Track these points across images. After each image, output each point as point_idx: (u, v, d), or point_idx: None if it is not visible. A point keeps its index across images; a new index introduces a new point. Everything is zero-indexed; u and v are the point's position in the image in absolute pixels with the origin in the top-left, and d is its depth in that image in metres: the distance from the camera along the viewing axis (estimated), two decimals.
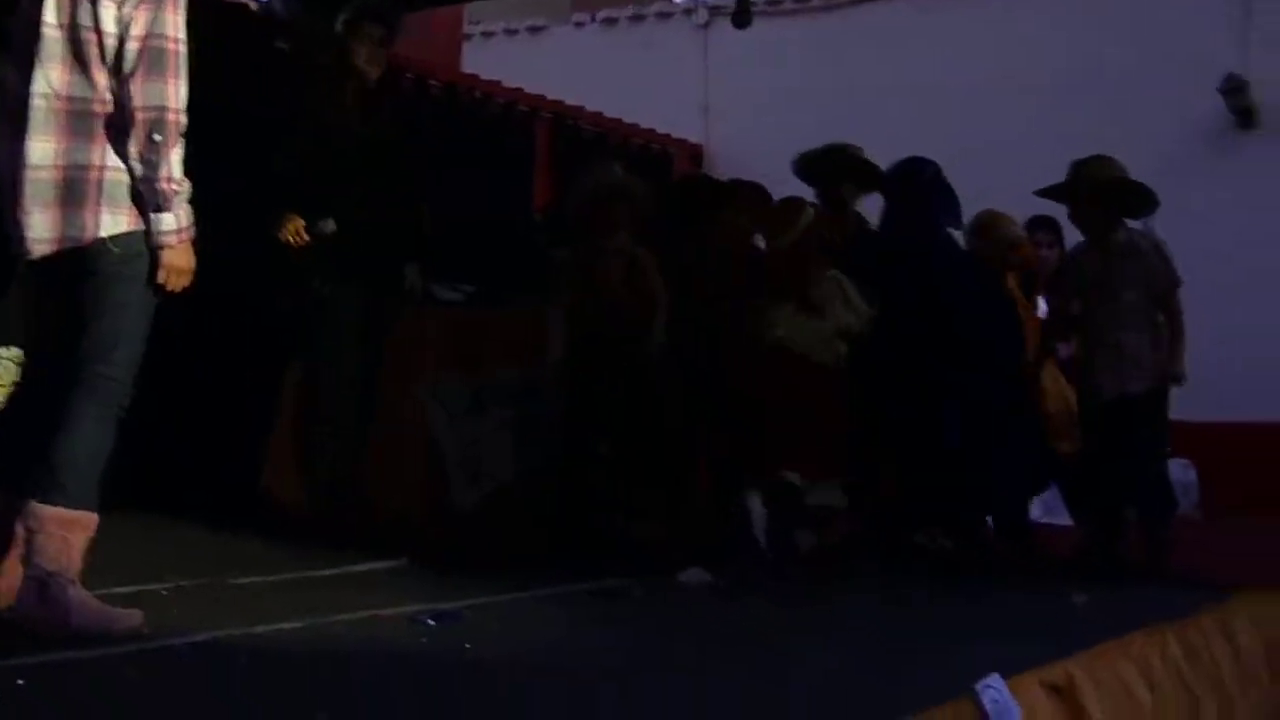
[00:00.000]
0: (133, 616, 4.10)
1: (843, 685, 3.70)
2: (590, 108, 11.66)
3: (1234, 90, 10.90)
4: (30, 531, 3.99)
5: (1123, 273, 6.61)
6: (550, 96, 11.31)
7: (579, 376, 7.00)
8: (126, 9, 4.10)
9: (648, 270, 7.12)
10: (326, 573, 5.49)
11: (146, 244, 4.13)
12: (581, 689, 3.58)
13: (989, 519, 7.06)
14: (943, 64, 11.70)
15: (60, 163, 4.09)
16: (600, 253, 7.15)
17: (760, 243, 7.32)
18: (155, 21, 4.11)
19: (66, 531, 4.02)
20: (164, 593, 4.81)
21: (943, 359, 6.71)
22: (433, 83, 10.13)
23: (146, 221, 4.12)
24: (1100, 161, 6.72)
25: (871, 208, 7.51)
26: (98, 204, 4.10)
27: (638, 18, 13.43)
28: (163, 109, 4.09)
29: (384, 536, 6.34)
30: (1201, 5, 11.05)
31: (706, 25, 12.98)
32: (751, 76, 12.40)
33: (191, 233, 4.21)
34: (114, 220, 4.11)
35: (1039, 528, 7.41)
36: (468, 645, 4.08)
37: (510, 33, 13.75)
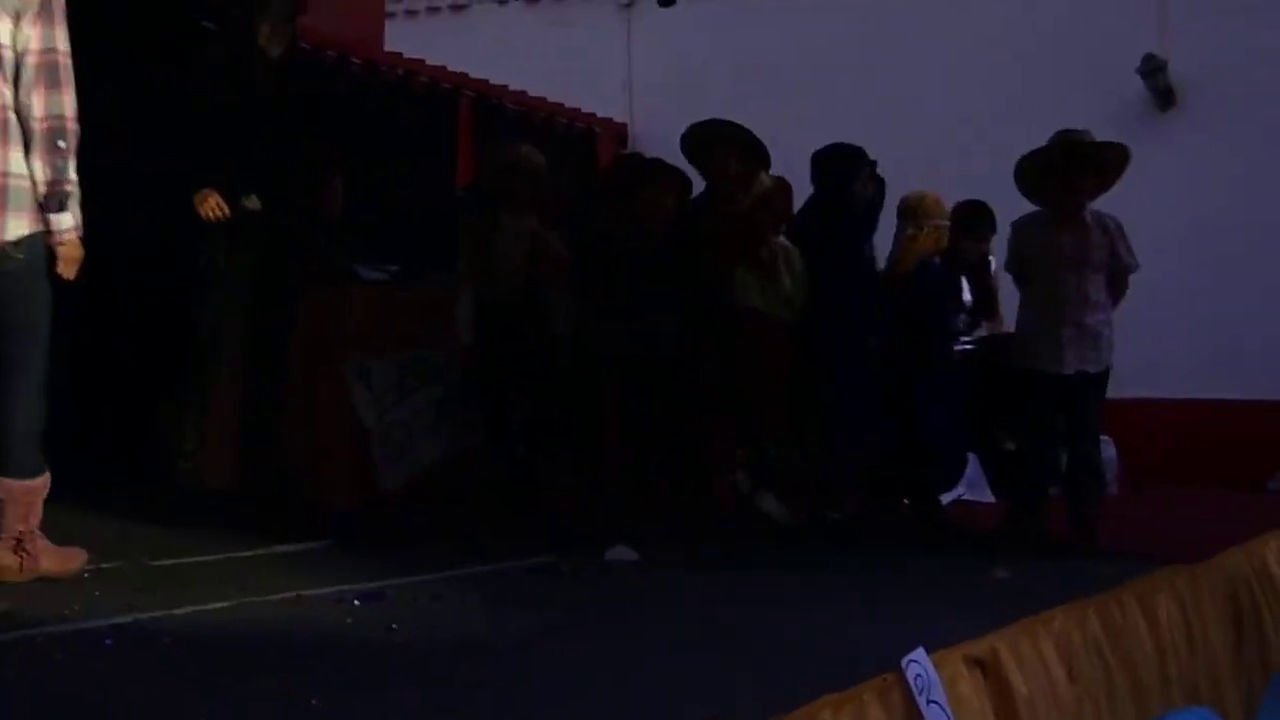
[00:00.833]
0: (80, 553, 4.78)
1: (769, 661, 3.71)
2: (514, 87, 11.62)
3: (1153, 71, 10.99)
4: (1, 502, 4.58)
5: (1097, 250, 6.62)
6: (474, 75, 11.26)
7: (485, 355, 7.00)
8: (23, 25, 4.48)
9: (548, 250, 7.10)
10: (250, 553, 5.47)
11: (45, 241, 4.56)
12: (507, 666, 3.57)
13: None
14: (865, 42, 11.74)
15: None
16: (499, 230, 7.13)
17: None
18: (47, 37, 4.51)
19: (29, 496, 4.63)
20: (85, 574, 4.78)
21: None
22: (354, 60, 10.05)
23: (47, 222, 4.54)
24: (1088, 135, 6.72)
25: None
26: (3, 209, 4.48)
27: None
28: (62, 118, 4.51)
29: (309, 517, 6.31)
30: None
31: (630, 4, 12.96)
32: (676, 55, 12.40)
33: (81, 228, 4.65)
34: (18, 224, 4.51)
35: (962, 503, 7.48)
36: (394, 625, 4.07)
37: (433, 10, 13.67)
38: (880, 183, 7.32)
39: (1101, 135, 6.82)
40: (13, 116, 4.50)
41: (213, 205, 6.12)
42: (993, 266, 7.68)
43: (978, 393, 7.09)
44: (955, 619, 4.27)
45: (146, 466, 6.56)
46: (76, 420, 6.90)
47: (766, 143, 7.37)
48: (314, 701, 3.03)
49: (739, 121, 7.39)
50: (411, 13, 13.56)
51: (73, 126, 4.54)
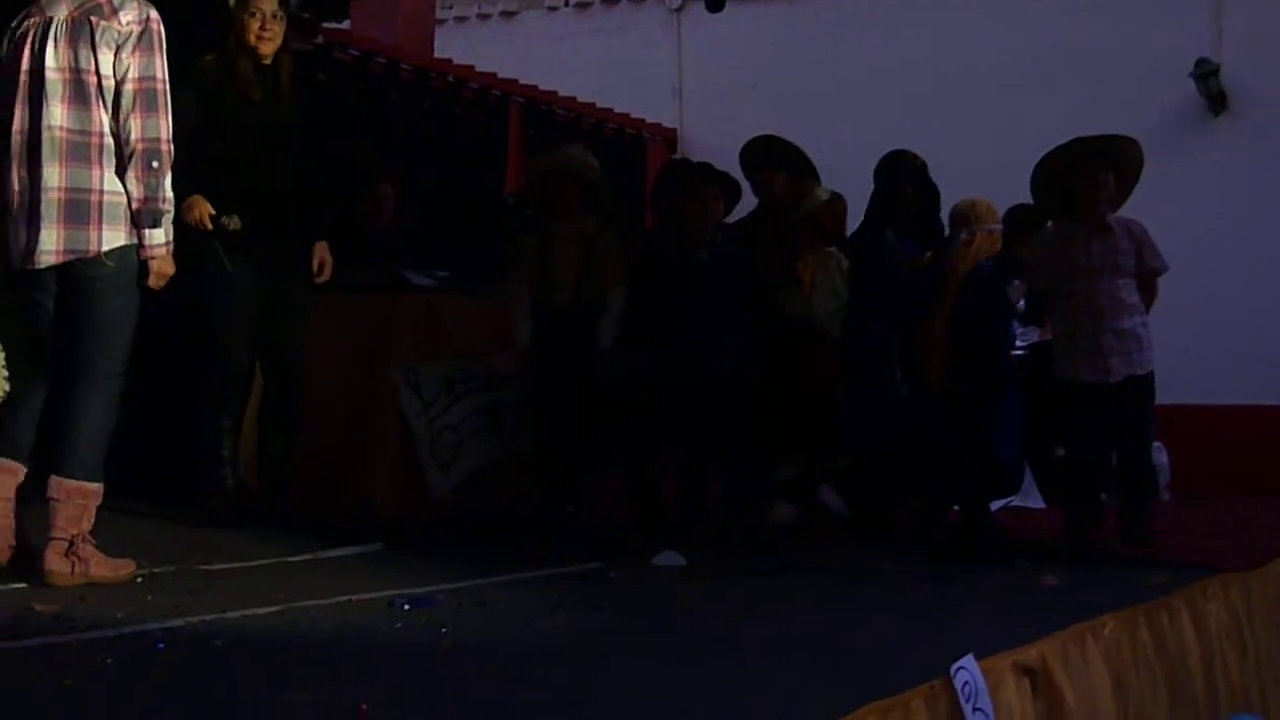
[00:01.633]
0: (129, 563, 4.87)
1: (816, 666, 3.71)
2: (563, 93, 11.65)
3: (1205, 75, 10.93)
4: (55, 501, 4.75)
5: (1124, 256, 6.60)
6: (523, 81, 11.29)
7: (542, 363, 7.02)
8: (124, 55, 4.82)
9: (607, 255, 7.09)
10: (300, 559, 5.50)
11: (138, 255, 4.86)
12: (554, 671, 3.58)
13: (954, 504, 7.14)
14: (915, 51, 11.70)
15: (65, 185, 4.78)
16: (554, 236, 7.14)
17: None
18: (147, 65, 4.85)
19: (85, 500, 4.79)
20: (138, 579, 4.82)
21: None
22: (404, 67, 10.09)
23: (140, 237, 4.84)
24: (1121, 138, 6.71)
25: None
26: (99, 222, 4.80)
27: (611, 1, 13.40)
28: (157, 140, 4.84)
29: (358, 522, 6.34)
30: None
31: (680, 9, 12.95)
32: (725, 61, 12.39)
33: (172, 244, 4.96)
34: (113, 235, 4.82)
35: (1012, 510, 7.45)
36: (444, 629, 4.08)
37: (483, 17, 13.70)
38: (930, 186, 7.31)
39: (1153, 140, 6.79)
40: (110, 140, 4.84)
41: (199, 215, 6.06)
42: None
43: (1029, 399, 7.06)
44: (1004, 626, 4.25)
45: (193, 472, 6.59)
46: (129, 428, 7.00)
47: (814, 150, 7.39)
48: (364, 706, 3.05)
49: (788, 129, 7.41)
50: (461, 19, 13.61)
51: (166, 148, 4.87)
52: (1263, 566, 5.94)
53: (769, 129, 7.79)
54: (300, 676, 3.42)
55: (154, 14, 4.91)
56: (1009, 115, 10.96)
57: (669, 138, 12.77)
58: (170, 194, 4.91)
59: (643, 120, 12.46)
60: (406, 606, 4.44)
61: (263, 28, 6.25)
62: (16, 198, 4.84)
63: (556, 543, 6.23)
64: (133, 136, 4.82)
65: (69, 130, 4.81)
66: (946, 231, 7.20)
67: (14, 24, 4.99)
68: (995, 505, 7.13)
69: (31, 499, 4.90)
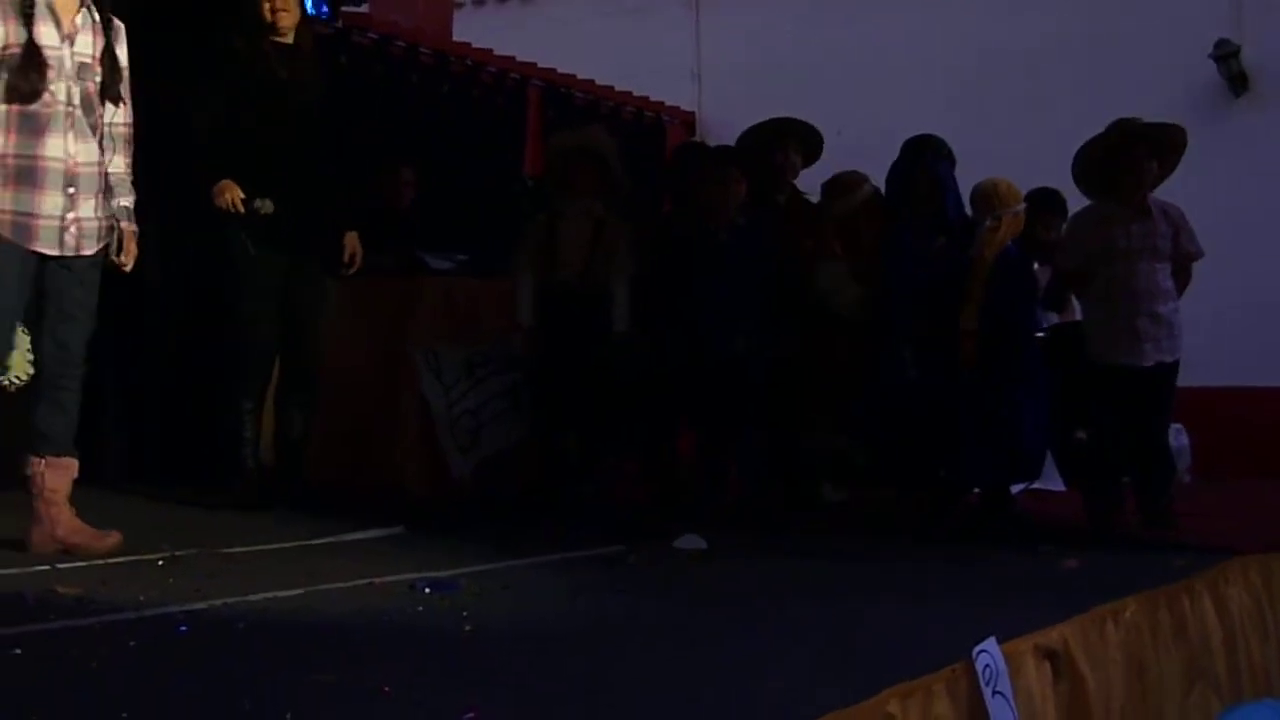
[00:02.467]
0: (112, 536, 4.98)
1: (837, 650, 3.71)
2: (582, 75, 11.63)
3: (1226, 56, 10.89)
4: (32, 472, 4.96)
5: (1163, 240, 6.59)
6: (542, 65, 11.27)
7: (547, 342, 7.01)
8: (120, 44, 5.05)
9: (614, 239, 7.08)
10: (322, 541, 5.51)
11: (117, 232, 5.08)
12: (579, 655, 3.59)
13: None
14: (934, 33, 11.67)
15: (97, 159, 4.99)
16: (562, 216, 7.12)
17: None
18: (125, 55, 5.08)
19: (58, 469, 4.98)
20: (159, 563, 4.84)
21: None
22: (423, 50, 10.09)
23: (120, 211, 5.08)
24: (1160, 123, 6.69)
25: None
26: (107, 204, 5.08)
27: None
28: (131, 125, 5.15)
29: (380, 504, 6.36)
30: None
31: None
32: (744, 43, 12.38)
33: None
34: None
35: (1032, 492, 7.44)
36: (465, 613, 4.09)
37: (502, 0, 13.70)
38: (946, 171, 7.27)
39: (1173, 120, 6.77)
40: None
41: (230, 199, 6.10)
42: None
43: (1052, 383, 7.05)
44: (1025, 609, 4.25)
45: (215, 455, 6.61)
46: (130, 410, 7.03)
47: (833, 133, 7.39)
48: (386, 689, 3.05)
49: (806, 112, 7.42)
50: (480, 2, 13.61)
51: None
52: None
53: (787, 112, 7.78)
54: (322, 659, 3.42)
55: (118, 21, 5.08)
56: (1031, 98, 10.94)
57: (688, 121, 12.75)
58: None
59: (661, 103, 12.45)
60: (428, 590, 4.45)
61: (274, 3, 6.25)
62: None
63: (577, 525, 6.24)
64: (124, 120, 5.12)
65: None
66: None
67: None
68: (1016, 488, 7.12)
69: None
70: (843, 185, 7.50)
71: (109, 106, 5.03)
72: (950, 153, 7.24)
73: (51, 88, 4.82)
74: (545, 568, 5.18)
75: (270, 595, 4.28)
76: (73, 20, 4.92)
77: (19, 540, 4.99)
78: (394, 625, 3.94)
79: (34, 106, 4.80)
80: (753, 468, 7.25)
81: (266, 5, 6.24)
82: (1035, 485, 7.51)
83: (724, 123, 11.58)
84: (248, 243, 6.19)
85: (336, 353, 6.70)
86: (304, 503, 6.22)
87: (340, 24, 8.83)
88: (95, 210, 4.97)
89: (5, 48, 4.79)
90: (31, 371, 6.03)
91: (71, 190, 4.87)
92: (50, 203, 4.84)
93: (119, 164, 5.11)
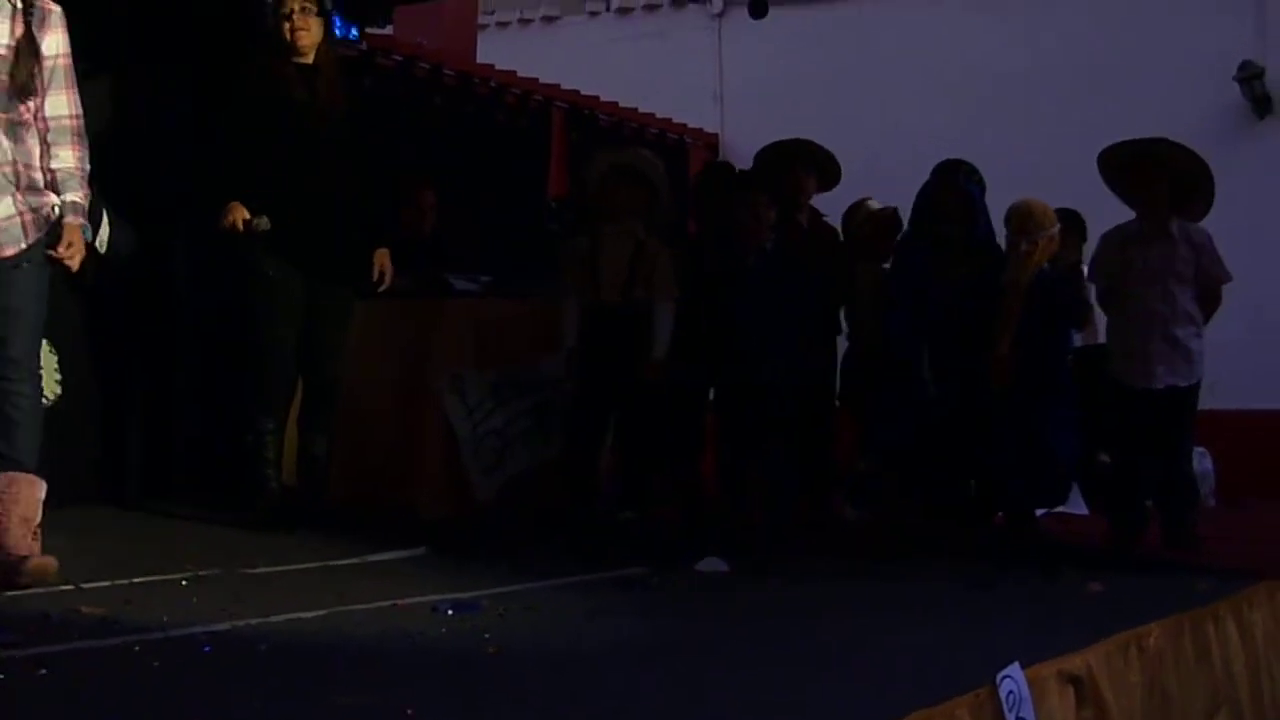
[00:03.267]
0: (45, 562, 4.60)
1: (861, 673, 3.71)
2: (605, 98, 11.66)
3: (1250, 78, 10.87)
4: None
5: (1183, 263, 6.57)
6: (565, 86, 11.30)
7: (587, 363, 7.02)
8: (47, 33, 4.73)
9: (656, 259, 7.07)
10: (345, 562, 5.52)
11: (59, 225, 4.74)
12: (601, 679, 3.59)
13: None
14: (960, 56, 11.66)
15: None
16: (604, 236, 7.12)
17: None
18: (64, 41, 4.78)
19: (12, 488, 4.62)
20: (183, 583, 4.85)
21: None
22: (447, 72, 10.13)
23: (64, 207, 4.77)
24: (1183, 147, 6.68)
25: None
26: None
27: (652, 7, 13.39)
28: (78, 117, 4.82)
29: (403, 526, 6.36)
30: None
31: (721, 14, 12.94)
32: (766, 66, 12.36)
33: None
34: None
35: (1056, 516, 7.42)
36: (487, 635, 4.09)
37: (524, 22, 13.73)
38: (974, 195, 7.27)
39: (1196, 143, 6.76)
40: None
41: (232, 220, 6.08)
42: (1084, 275, 7.64)
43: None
44: (1048, 633, 4.24)
45: (237, 476, 6.62)
46: (153, 428, 7.05)
47: (856, 155, 7.41)
48: (409, 711, 3.06)
49: (829, 135, 7.45)
50: (503, 24, 13.64)
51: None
52: None
53: (811, 134, 7.80)
54: (346, 681, 3.43)
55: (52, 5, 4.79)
56: (1051, 119, 10.92)
57: (710, 143, 12.76)
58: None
59: (684, 125, 12.46)
60: (450, 612, 4.45)
61: (294, 23, 6.24)
62: None
63: (600, 547, 6.24)
64: (69, 112, 4.80)
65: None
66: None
67: None
68: (1040, 511, 7.11)
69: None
70: (853, 207, 7.61)
71: (50, 99, 4.76)
72: (981, 178, 7.24)
73: None
74: (567, 589, 5.18)
75: (293, 616, 4.29)
76: None
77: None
78: (417, 647, 3.95)
79: None
80: (780, 488, 7.25)
81: (286, 25, 6.25)
82: (1059, 508, 7.50)
83: (747, 144, 11.56)
84: (264, 262, 6.20)
85: (362, 375, 6.71)
86: (326, 523, 6.23)
87: (365, 46, 8.86)
88: (13, 209, 4.68)
89: None
90: (59, 391, 6.07)
91: None
92: None
93: (66, 158, 4.78)
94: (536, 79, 11.05)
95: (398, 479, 7.08)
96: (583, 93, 11.45)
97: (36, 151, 4.77)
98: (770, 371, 7.02)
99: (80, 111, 4.86)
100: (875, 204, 7.73)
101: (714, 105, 12.87)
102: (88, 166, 4.90)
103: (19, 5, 4.69)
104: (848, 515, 7.56)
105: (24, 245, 4.72)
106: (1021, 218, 6.87)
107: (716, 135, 12.84)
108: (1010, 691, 3.45)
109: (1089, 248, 7.35)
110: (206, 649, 3.79)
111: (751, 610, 4.86)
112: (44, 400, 5.10)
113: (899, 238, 7.53)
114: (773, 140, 7.82)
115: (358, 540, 5.87)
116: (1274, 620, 5.37)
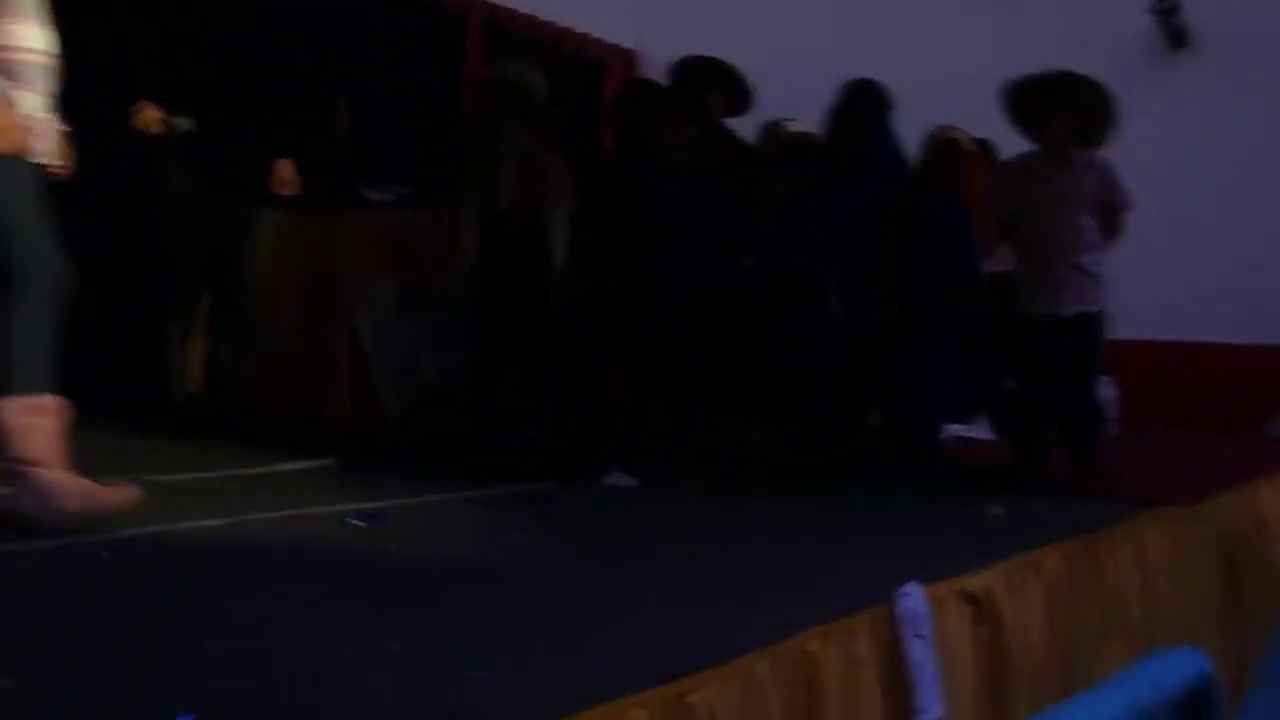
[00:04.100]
0: (120, 491, 4.16)
1: (759, 593, 3.74)
2: (523, 10, 11.52)
3: (1166, 11, 10.92)
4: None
5: (1086, 190, 6.62)
6: None
7: (485, 280, 6.99)
8: None
9: (545, 172, 7.04)
10: (250, 472, 5.49)
11: None
12: (502, 589, 3.60)
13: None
14: None
15: None
16: (497, 151, 7.08)
17: None
18: None
19: (31, 417, 4.18)
20: None
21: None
22: None
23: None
24: (1087, 79, 6.71)
25: None
26: None
27: None
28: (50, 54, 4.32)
29: (309, 436, 6.34)
30: None
31: None
32: None
33: None
34: None
35: (959, 439, 7.51)
36: (392, 545, 4.09)
37: None
38: (880, 116, 7.27)
39: (1113, 77, 6.79)
40: None
41: (148, 118, 6.04)
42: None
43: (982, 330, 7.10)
44: (949, 555, 4.29)
45: (146, 388, 6.56)
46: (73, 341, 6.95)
47: (775, 73, 7.39)
48: (310, 614, 3.06)
49: (749, 52, 7.42)
50: None
51: None
52: (1203, 501, 6.01)
53: (730, 52, 7.77)
54: (248, 588, 3.42)
55: None
56: (965, 51, 10.91)
57: (629, 58, 12.68)
58: None
59: (602, 40, 12.37)
60: (356, 521, 4.45)
61: None
62: None
63: (507, 462, 6.24)
64: None
65: None
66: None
67: None
68: (944, 434, 7.18)
69: None
70: (770, 125, 7.60)
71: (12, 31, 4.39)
72: (889, 99, 7.25)
73: None
74: (473, 502, 5.19)
75: (197, 524, 4.27)
76: None
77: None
78: (321, 555, 3.95)
79: None
80: (683, 407, 7.27)
81: None
82: (964, 432, 7.58)
83: (665, 61, 11.53)
84: (168, 169, 6.12)
85: (271, 284, 6.66)
86: (233, 433, 6.19)
87: None
88: None
89: None
90: None
91: None
92: None
93: (32, 102, 4.41)
94: None
95: (306, 389, 7.05)
96: (500, 4, 11.32)
97: None
98: (680, 288, 7.02)
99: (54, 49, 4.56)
100: (792, 124, 7.70)
101: (633, 21, 12.77)
102: None
103: None
104: (751, 436, 7.59)
105: None
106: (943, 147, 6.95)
107: (635, 51, 12.74)
108: (909, 608, 3.49)
109: None
110: (106, 554, 3.76)
111: (650, 527, 4.90)
112: None
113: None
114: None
115: (265, 450, 5.84)
116: (1169, 547, 5.46)
